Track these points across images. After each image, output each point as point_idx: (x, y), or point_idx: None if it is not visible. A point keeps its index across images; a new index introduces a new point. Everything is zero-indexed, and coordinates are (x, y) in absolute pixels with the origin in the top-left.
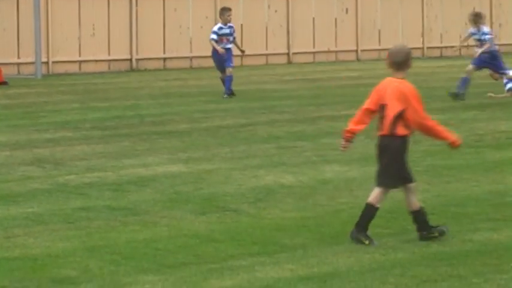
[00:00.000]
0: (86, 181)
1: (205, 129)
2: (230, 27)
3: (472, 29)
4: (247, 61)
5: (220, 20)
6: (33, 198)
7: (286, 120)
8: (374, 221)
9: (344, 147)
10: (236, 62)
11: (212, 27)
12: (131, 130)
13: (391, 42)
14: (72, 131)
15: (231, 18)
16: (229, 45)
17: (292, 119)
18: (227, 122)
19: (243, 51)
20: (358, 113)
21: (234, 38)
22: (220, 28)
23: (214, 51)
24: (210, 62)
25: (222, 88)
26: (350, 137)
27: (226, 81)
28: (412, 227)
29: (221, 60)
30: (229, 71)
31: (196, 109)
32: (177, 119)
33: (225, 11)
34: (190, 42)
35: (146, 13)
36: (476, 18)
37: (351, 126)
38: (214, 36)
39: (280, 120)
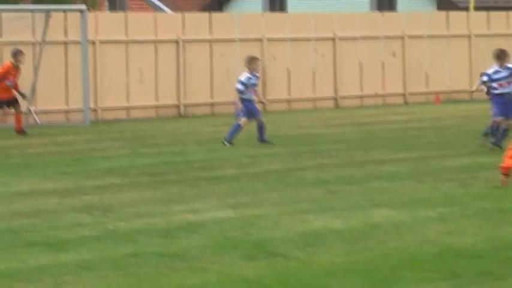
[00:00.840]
0: (135, 227)
1: (253, 174)
2: (257, 77)
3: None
4: (294, 105)
5: (247, 69)
6: (83, 245)
7: (334, 165)
8: (423, 265)
9: (504, 182)
10: (283, 106)
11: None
12: (179, 176)
13: (438, 85)
14: (121, 178)
15: (259, 68)
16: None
17: (340, 163)
18: (275, 167)
19: (263, 103)
20: (510, 150)
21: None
22: (249, 78)
23: (245, 101)
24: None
25: (268, 133)
26: (507, 173)
27: (234, 129)
28: (463, 271)
29: (253, 109)
30: (259, 120)
31: (244, 154)
32: (225, 164)
33: (254, 60)
34: None
35: (193, 58)
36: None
37: (506, 162)
38: (242, 87)
39: (328, 165)
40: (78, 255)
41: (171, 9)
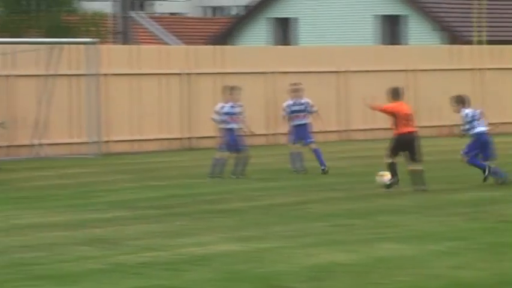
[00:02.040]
0: (141, 260)
1: (259, 207)
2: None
3: None
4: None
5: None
6: (89, 278)
7: (340, 198)
8: None
9: None
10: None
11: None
12: (187, 209)
13: (450, 118)
14: (128, 210)
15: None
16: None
17: (346, 196)
18: (282, 200)
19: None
20: None
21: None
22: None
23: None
24: (262, 140)
25: (278, 167)
26: None
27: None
28: None
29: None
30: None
31: (250, 187)
32: (232, 198)
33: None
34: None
35: (200, 91)
36: None
37: None
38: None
39: (334, 198)
40: None
41: (180, 42)
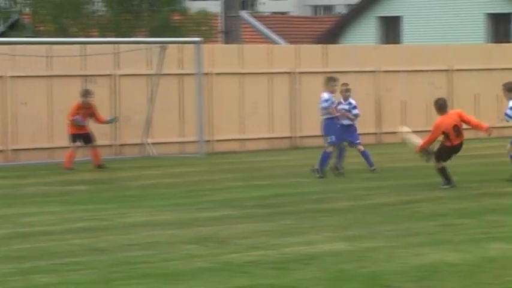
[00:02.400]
0: (249, 259)
1: (367, 206)
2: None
3: None
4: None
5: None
6: (196, 277)
7: (449, 197)
8: None
9: None
10: (398, 138)
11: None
12: (294, 208)
13: None
14: (235, 209)
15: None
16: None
17: (455, 195)
18: (389, 200)
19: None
20: None
21: None
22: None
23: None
24: (372, 139)
25: (386, 165)
26: None
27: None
28: None
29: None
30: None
31: (358, 186)
32: (339, 197)
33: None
34: None
35: (307, 90)
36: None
37: None
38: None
39: (442, 197)
40: (193, 286)
41: (286, 41)
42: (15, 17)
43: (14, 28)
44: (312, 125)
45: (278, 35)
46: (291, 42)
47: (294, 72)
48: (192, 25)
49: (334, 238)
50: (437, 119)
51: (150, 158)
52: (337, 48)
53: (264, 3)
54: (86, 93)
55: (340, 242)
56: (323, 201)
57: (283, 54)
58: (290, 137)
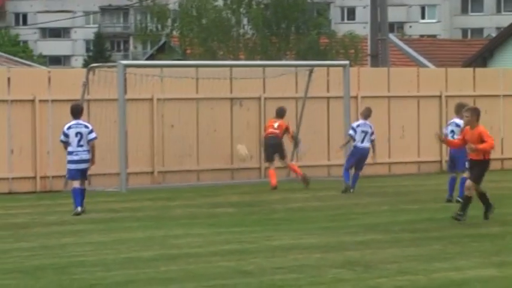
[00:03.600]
0: (397, 284)
1: None
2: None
3: None
4: None
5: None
6: None
7: None
8: None
9: None
10: None
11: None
12: (442, 233)
13: None
14: (382, 234)
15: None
16: None
17: None
18: None
19: None
20: None
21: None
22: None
23: None
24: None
25: None
26: None
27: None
28: None
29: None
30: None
31: (510, 212)
32: (489, 222)
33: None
34: (502, 143)
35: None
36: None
37: None
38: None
39: None
40: None
41: (434, 64)
42: (163, 39)
43: (162, 51)
44: None
45: (426, 58)
46: (440, 66)
47: (442, 96)
48: (339, 48)
49: (483, 264)
50: (481, 127)
51: (296, 181)
52: (485, 71)
53: (410, 27)
54: None
55: (490, 268)
56: (472, 226)
57: (431, 77)
58: (439, 161)
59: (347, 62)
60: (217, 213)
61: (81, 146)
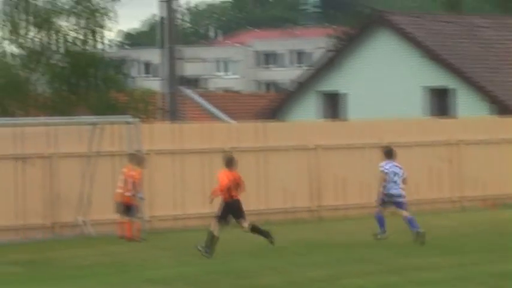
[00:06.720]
0: None
1: None
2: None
3: None
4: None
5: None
6: None
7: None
8: None
9: None
10: None
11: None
12: None
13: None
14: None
15: None
16: None
17: None
18: None
19: None
20: None
21: None
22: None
23: None
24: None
25: None
26: None
27: None
28: None
29: None
30: None
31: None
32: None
33: None
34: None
35: (242, 166)
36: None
37: None
38: None
39: None
40: None
41: (230, 117)
42: None
43: None
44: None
45: (225, 111)
46: (237, 119)
47: (229, 149)
48: (134, 103)
49: None
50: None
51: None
52: (271, 125)
53: (207, 80)
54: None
55: None
56: None
57: (219, 131)
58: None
59: (134, 118)
60: None
61: None
